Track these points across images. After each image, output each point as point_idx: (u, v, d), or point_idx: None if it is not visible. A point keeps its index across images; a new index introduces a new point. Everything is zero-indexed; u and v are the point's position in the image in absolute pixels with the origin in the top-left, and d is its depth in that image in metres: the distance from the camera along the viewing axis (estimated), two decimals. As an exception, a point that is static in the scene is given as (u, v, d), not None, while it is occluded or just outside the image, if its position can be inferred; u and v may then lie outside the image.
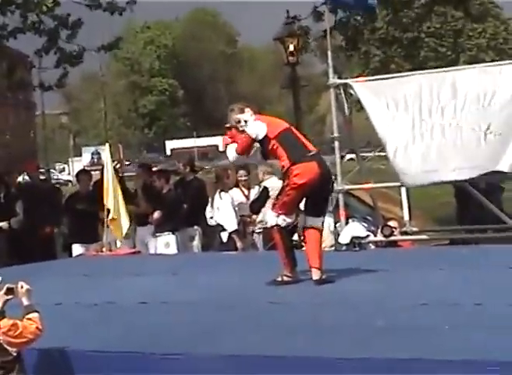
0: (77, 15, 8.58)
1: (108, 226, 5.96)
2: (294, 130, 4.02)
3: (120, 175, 6.77)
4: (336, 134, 5.52)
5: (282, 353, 2.66)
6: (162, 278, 4.49)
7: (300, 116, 10.75)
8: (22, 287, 2.74)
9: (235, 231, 6.01)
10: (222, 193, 6.12)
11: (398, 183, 5.33)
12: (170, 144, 40.18)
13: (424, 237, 5.69)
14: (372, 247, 5.58)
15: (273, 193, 5.45)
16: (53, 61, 8.76)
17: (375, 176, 6.10)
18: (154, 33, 44.71)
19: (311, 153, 3.80)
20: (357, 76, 6.30)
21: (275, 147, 3.80)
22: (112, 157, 6.31)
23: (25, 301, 2.73)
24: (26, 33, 8.46)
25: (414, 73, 5.70)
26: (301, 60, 10.94)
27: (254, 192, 6.17)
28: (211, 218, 6.12)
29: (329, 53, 5.63)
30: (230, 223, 6.00)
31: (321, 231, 3.92)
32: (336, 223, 5.39)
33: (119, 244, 6.07)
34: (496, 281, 3.65)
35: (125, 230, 5.94)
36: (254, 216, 6.13)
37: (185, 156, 10.52)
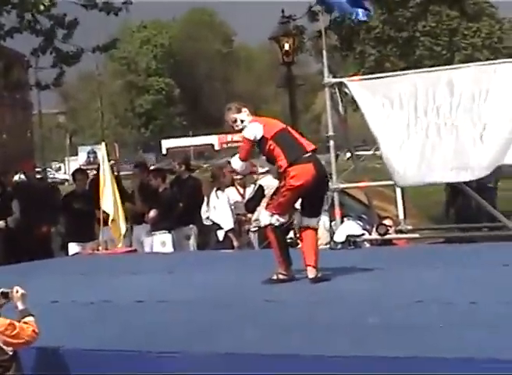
0: (73, 15, 8.59)
1: (104, 225, 5.97)
2: (290, 129, 4.05)
3: (116, 173, 6.78)
4: (331, 133, 5.54)
5: (278, 351, 2.67)
6: (158, 277, 4.50)
7: (296, 114, 10.79)
8: (17, 291, 2.74)
9: (231, 230, 6.04)
10: (219, 192, 6.14)
11: (393, 182, 5.34)
12: (166, 144, 40.18)
13: (418, 235, 5.72)
14: (367, 245, 5.60)
15: (268, 191, 5.47)
16: (50, 60, 8.77)
17: (371, 175, 6.12)
18: (151, 32, 44.65)
19: (308, 154, 3.83)
20: (352, 76, 6.32)
21: (271, 147, 3.82)
22: (108, 156, 6.33)
23: (20, 306, 2.74)
24: (23, 33, 8.45)
25: (409, 71, 5.72)
26: (297, 59, 10.97)
27: (250, 191, 6.19)
28: (207, 217, 6.15)
29: (324, 52, 5.65)
30: (227, 222, 6.03)
31: (316, 230, 3.95)
32: (331, 222, 5.40)
33: (120, 244, 6.08)
34: (490, 279, 3.67)
35: (123, 232, 5.97)
36: (249, 215, 6.16)
37: (180, 155, 10.52)
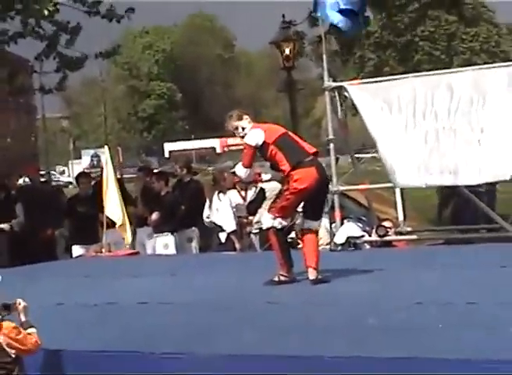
0: (76, 21, 8.68)
1: (107, 228, 6.04)
2: (291, 134, 4.11)
3: (119, 176, 6.84)
4: (331, 137, 5.59)
5: (278, 353, 2.70)
6: (161, 279, 4.54)
7: (297, 119, 10.85)
8: (19, 304, 2.78)
9: (233, 232, 6.09)
10: (221, 194, 6.21)
11: (392, 185, 5.39)
12: (168, 147, 40.29)
13: (417, 237, 5.76)
14: (367, 247, 5.64)
15: (269, 194, 5.53)
16: (54, 65, 8.86)
17: (370, 178, 6.17)
18: (153, 38, 44.83)
19: (310, 158, 3.88)
20: (351, 80, 6.37)
21: (273, 152, 3.88)
22: (111, 159, 6.39)
23: (23, 318, 2.78)
24: (27, 38, 8.54)
25: (408, 75, 5.77)
26: (297, 64, 11.03)
27: (251, 193, 6.25)
28: (207, 217, 6.20)
29: (324, 57, 5.71)
30: (229, 224, 6.09)
31: (317, 232, 4.00)
32: (331, 224, 5.45)
33: (127, 245, 6.15)
34: (488, 281, 3.70)
35: (130, 235, 6.04)
36: (250, 217, 6.21)
37: (182, 158, 10.58)
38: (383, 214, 6.22)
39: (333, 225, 5.45)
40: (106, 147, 6.75)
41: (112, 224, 6.13)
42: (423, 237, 5.95)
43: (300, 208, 4.03)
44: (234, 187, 6.41)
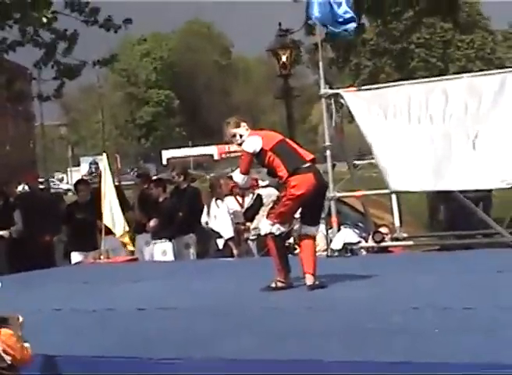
0: (74, 29, 8.71)
1: (106, 235, 6.06)
2: (289, 140, 4.15)
3: (117, 183, 6.87)
4: (327, 143, 5.64)
5: (276, 358, 2.71)
6: (159, 285, 4.56)
7: (293, 125, 10.90)
8: (18, 318, 2.78)
9: (231, 238, 6.12)
10: (219, 201, 6.25)
11: (389, 191, 5.44)
12: (166, 154, 40.32)
13: (414, 242, 5.79)
14: (364, 252, 5.68)
15: (266, 200, 5.56)
16: (52, 73, 8.91)
17: (367, 184, 6.21)
18: (151, 45, 44.99)
19: (307, 164, 3.91)
20: (348, 87, 6.43)
21: (271, 159, 3.90)
22: (109, 166, 6.42)
23: (19, 332, 2.79)
24: (25, 46, 8.58)
25: (403, 82, 5.83)
26: (294, 71, 11.10)
27: (248, 200, 6.28)
28: (206, 224, 6.23)
29: (321, 65, 5.77)
30: (227, 231, 6.12)
31: (315, 238, 4.04)
32: (328, 230, 5.48)
33: (131, 249, 6.19)
34: (484, 285, 3.73)
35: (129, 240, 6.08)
36: (248, 224, 6.24)
37: (179, 165, 10.61)
38: (379, 219, 6.25)
39: (330, 231, 5.48)
40: (104, 154, 6.78)
41: (110, 231, 6.16)
42: (419, 243, 5.98)
43: (297, 214, 4.05)
44: (231, 194, 6.45)
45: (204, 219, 6.33)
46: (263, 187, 5.96)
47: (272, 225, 3.92)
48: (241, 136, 4.01)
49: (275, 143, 3.96)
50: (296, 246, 4.18)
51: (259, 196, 5.83)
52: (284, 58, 9.59)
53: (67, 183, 32.95)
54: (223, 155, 37.72)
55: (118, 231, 6.06)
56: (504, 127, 5.03)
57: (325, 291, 3.86)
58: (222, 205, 6.21)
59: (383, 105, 5.32)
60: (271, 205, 4.24)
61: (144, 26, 36.04)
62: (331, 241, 5.45)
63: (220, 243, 6.17)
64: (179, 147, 39.24)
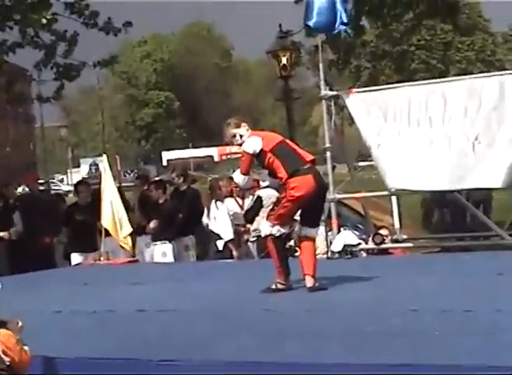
0: (74, 31, 8.73)
1: (105, 236, 6.07)
2: (289, 142, 4.15)
3: (117, 185, 6.88)
4: (327, 145, 5.65)
5: (276, 360, 2.70)
6: (159, 287, 4.56)
7: (294, 127, 10.91)
8: (17, 323, 2.78)
9: (231, 240, 6.12)
10: (219, 203, 6.25)
11: (389, 193, 5.44)
12: (166, 156, 40.36)
13: (414, 244, 5.79)
14: (364, 254, 5.68)
15: (266, 202, 5.56)
16: (52, 74, 8.92)
17: (367, 186, 6.22)
18: (151, 47, 45.06)
19: (307, 165, 3.91)
20: (348, 89, 6.44)
21: (271, 160, 3.91)
22: (109, 168, 6.42)
23: (17, 336, 2.79)
24: (25, 48, 8.60)
25: (403, 84, 5.84)
26: (294, 73, 11.12)
27: (248, 202, 6.29)
28: (206, 226, 6.24)
29: (321, 66, 5.79)
30: (226, 232, 6.12)
31: (315, 240, 4.04)
32: (328, 232, 5.49)
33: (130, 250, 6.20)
34: (484, 288, 3.73)
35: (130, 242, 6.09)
36: (248, 225, 6.24)
37: (178, 167, 10.65)
38: (379, 221, 6.25)
39: (330, 233, 5.49)
40: (104, 156, 6.78)
41: (109, 232, 6.16)
42: (419, 245, 5.99)
43: (297, 216, 4.06)
44: (231, 196, 6.45)
45: (204, 221, 6.33)
46: (263, 187, 5.96)
47: (272, 226, 3.92)
48: (241, 136, 4.01)
49: (275, 144, 3.97)
50: (297, 248, 4.18)
51: (259, 198, 5.84)
52: (284, 60, 9.62)
53: (67, 184, 33.01)
54: (223, 157, 37.76)
55: (124, 233, 6.04)
56: (504, 130, 5.04)
57: (324, 292, 3.86)
58: (221, 207, 6.21)
59: (383, 107, 5.33)
60: (271, 207, 4.24)
61: (144, 27, 36.15)
62: (331, 242, 5.45)
63: (220, 245, 6.17)
64: (180, 148, 39.28)
